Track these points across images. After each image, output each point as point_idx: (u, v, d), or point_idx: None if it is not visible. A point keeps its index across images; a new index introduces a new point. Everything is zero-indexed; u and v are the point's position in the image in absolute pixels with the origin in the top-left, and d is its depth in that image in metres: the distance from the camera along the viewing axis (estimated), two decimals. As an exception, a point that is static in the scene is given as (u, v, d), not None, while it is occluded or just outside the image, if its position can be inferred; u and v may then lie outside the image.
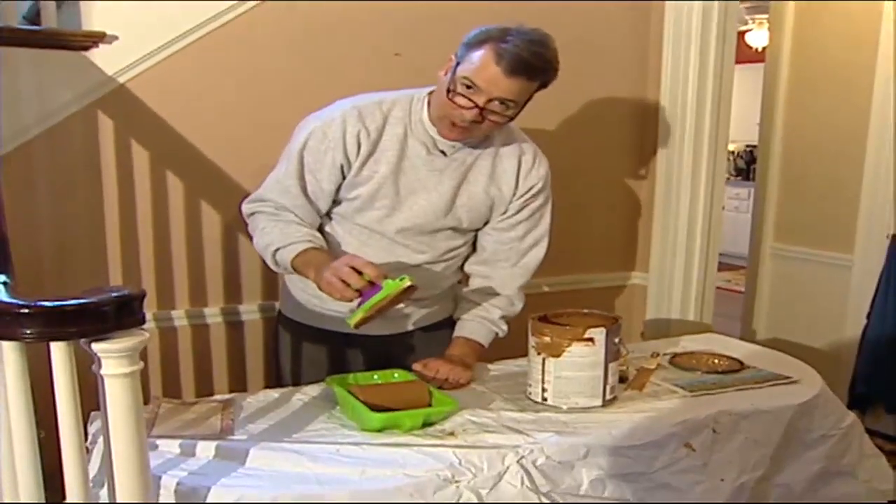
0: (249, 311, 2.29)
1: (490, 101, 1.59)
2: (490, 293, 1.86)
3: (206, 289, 2.24)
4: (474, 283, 1.88)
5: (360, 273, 1.51)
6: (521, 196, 1.80)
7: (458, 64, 1.60)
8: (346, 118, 1.67)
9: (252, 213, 1.76)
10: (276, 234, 1.69)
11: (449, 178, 1.74)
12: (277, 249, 1.67)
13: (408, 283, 1.50)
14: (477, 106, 1.59)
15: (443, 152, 1.73)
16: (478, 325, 1.86)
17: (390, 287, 1.49)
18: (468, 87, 1.58)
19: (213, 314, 2.26)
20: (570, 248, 2.68)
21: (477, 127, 1.64)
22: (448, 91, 1.60)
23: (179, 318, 2.21)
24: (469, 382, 1.76)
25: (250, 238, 1.79)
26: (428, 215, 1.74)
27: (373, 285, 1.51)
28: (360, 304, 1.53)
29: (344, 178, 1.71)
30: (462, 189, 1.75)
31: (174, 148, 2.13)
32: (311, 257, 1.64)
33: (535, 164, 1.81)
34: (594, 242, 2.81)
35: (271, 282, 2.25)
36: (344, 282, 1.51)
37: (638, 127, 2.79)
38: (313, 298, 1.81)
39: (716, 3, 2.59)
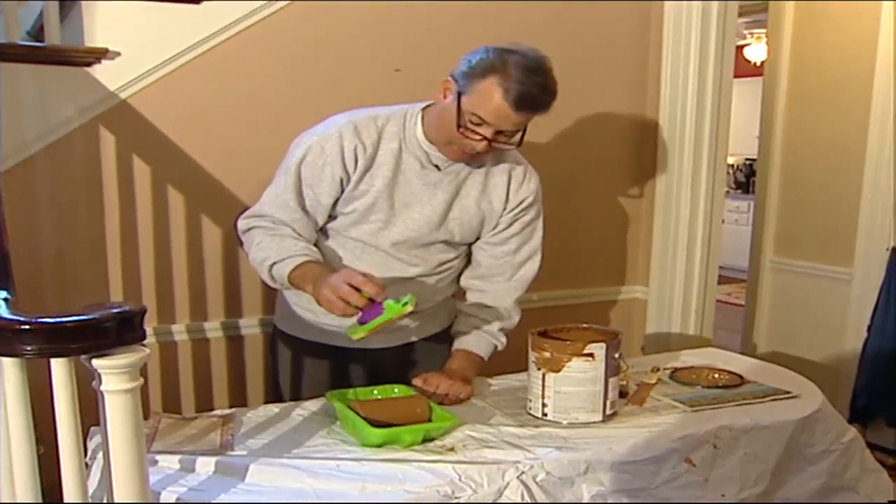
0: (250, 326, 2.30)
1: (499, 133, 1.63)
2: (487, 306, 1.87)
3: (207, 303, 2.24)
4: (471, 297, 1.90)
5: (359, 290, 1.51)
6: (512, 210, 1.82)
7: (460, 93, 1.62)
8: (342, 133, 1.69)
9: (249, 229, 1.76)
10: (273, 248, 1.69)
11: (442, 192, 1.75)
12: (274, 264, 1.68)
13: (409, 308, 1.50)
14: (486, 138, 1.63)
15: (436, 167, 1.74)
16: (477, 337, 1.87)
17: (392, 311, 1.50)
18: (477, 123, 1.61)
19: (213, 328, 2.26)
20: (570, 263, 2.68)
21: (485, 154, 1.69)
22: (458, 126, 1.62)
23: (179, 332, 2.21)
24: (469, 397, 1.76)
25: (247, 254, 1.79)
26: (421, 228, 1.75)
27: (373, 302, 1.52)
28: (360, 322, 1.54)
29: (342, 191, 1.72)
30: (455, 203, 1.77)
31: (175, 163, 2.14)
32: (308, 270, 1.64)
33: (526, 179, 1.83)
34: (594, 256, 2.81)
35: (272, 296, 2.24)
36: (344, 300, 1.51)
37: (637, 139, 2.80)
38: (307, 312, 1.82)
39: (714, 5, 2.60)
